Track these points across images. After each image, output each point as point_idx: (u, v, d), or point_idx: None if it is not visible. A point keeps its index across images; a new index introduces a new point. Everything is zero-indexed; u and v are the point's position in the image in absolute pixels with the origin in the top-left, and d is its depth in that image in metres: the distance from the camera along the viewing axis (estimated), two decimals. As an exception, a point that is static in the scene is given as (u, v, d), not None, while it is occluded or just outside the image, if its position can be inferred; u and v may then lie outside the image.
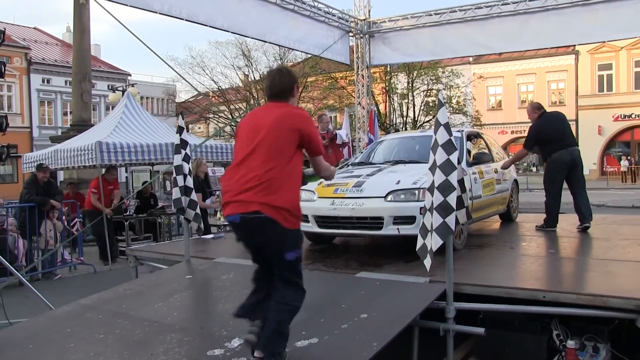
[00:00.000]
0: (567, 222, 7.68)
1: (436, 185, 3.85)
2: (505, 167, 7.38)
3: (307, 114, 3.45)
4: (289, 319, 3.17)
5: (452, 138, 3.90)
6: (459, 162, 4.17)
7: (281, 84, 3.35)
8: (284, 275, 3.21)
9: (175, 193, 5.76)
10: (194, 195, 5.76)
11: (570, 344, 3.88)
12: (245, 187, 3.07)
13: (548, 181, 7.13)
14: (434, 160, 3.90)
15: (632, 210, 16.16)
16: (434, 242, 3.82)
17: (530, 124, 7.32)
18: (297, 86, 3.48)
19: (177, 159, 5.73)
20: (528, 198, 19.50)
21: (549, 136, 7.01)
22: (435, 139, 3.94)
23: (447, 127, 3.90)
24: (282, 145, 3.12)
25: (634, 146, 34.44)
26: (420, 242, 3.97)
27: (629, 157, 33.45)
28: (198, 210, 5.80)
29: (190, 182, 5.72)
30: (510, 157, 8.13)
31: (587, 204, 7.08)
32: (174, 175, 5.80)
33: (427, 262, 3.92)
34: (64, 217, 10.17)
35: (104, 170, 10.85)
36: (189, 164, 5.75)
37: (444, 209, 3.81)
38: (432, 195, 3.88)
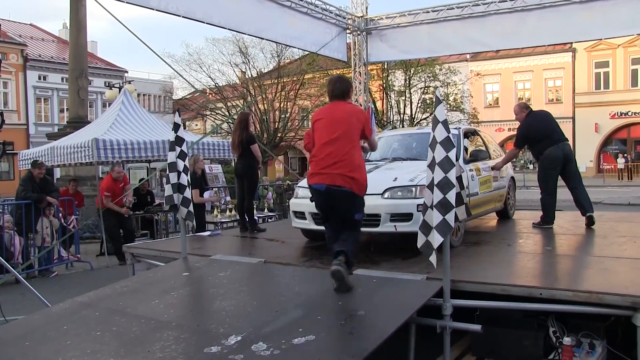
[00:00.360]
0: (564, 219, 7.71)
1: (435, 182, 3.84)
2: (497, 168, 7.35)
3: (363, 110, 4.95)
4: (355, 248, 4.37)
5: (450, 135, 3.90)
6: (457, 160, 4.17)
7: (341, 88, 4.51)
8: (351, 227, 4.39)
9: (167, 190, 5.74)
10: (188, 193, 5.73)
11: (567, 340, 3.90)
12: (329, 162, 4.22)
13: (542, 178, 7.15)
14: (433, 157, 3.90)
15: (629, 208, 16.22)
16: (435, 239, 3.83)
17: (519, 124, 7.39)
18: (352, 88, 4.82)
19: (171, 156, 5.70)
20: (525, 195, 19.57)
21: (539, 134, 7.09)
22: (434, 136, 3.93)
23: (445, 124, 3.89)
24: (353, 134, 4.31)
25: (631, 144, 34.53)
26: (422, 239, 3.96)
27: (625, 155, 33.56)
28: (191, 208, 5.77)
29: (184, 179, 5.69)
30: (502, 157, 7.98)
31: (587, 196, 7.13)
32: (167, 172, 5.78)
33: (433, 258, 3.92)
34: (60, 214, 10.16)
35: (100, 168, 10.84)
36: (184, 161, 5.72)
37: (443, 206, 3.81)
38: (432, 193, 3.87)
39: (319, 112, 4.63)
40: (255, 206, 8.57)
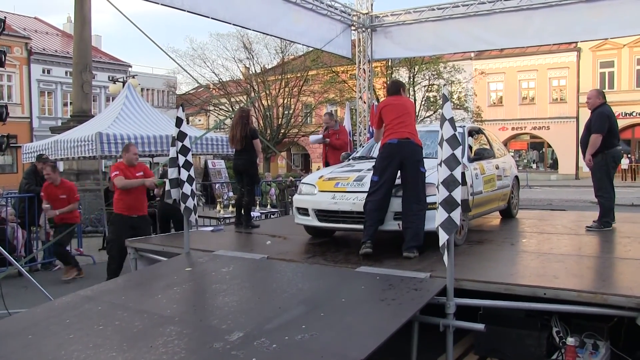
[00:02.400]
0: (568, 219, 7.70)
1: (441, 180, 3.84)
2: (588, 161, 6.75)
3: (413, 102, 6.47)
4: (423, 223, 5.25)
5: (457, 133, 3.90)
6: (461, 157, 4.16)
7: (398, 86, 5.98)
8: (417, 187, 5.30)
9: (167, 185, 5.75)
10: (187, 188, 5.72)
11: (570, 341, 3.88)
12: (400, 127, 5.48)
13: (603, 175, 6.71)
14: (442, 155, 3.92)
15: (632, 208, 16.16)
16: (441, 237, 3.82)
17: (595, 110, 6.76)
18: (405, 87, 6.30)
19: (172, 151, 5.70)
20: (528, 195, 19.54)
21: (613, 128, 6.67)
22: (442, 133, 3.94)
23: (452, 122, 3.89)
24: (410, 114, 5.68)
25: (635, 144, 34.40)
26: (443, 238, 3.96)
27: (629, 155, 33.40)
28: (190, 204, 5.75)
29: (185, 174, 5.69)
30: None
31: None
32: (167, 167, 5.78)
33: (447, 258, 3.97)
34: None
35: (103, 163, 10.75)
36: (186, 156, 5.71)
37: (449, 204, 3.81)
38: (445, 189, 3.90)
39: (385, 101, 5.97)
40: (257, 202, 8.56)
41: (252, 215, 8.02)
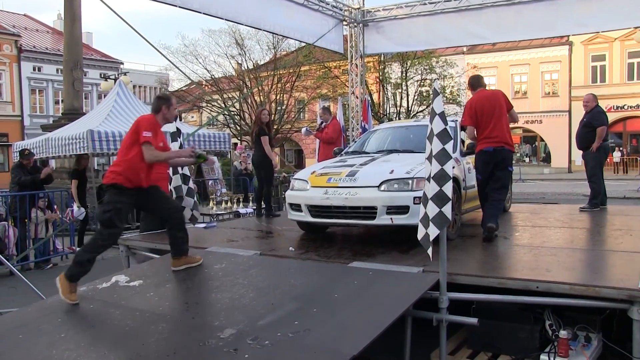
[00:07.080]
0: (560, 212, 7.71)
1: (432, 175, 3.83)
2: (594, 149, 8.07)
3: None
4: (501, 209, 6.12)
5: (448, 127, 3.88)
6: (453, 152, 4.15)
7: (480, 79, 6.35)
8: (504, 182, 5.98)
9: (176, 180, 5.73)
10: (192, 183, 5.74)
11: (563, 334, 3.89)
12: (494, 134, 5.83)
13: (597, 165, 8.18)
14: (431, 149, 3.89)
15: (624, 201, 16.26)
16: (432, 232, 3.82)
17: (593, 110, 8.20)
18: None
19: (174, 147, 5.69)
20: (521, 188, 19.61)
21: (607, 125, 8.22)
22: (431, 128, 3.91)
23: (443, 116, 3.88)
24: (503, 113, 5.96)
25: (626, 137, 34.55)
26: (422, 231, 3.95)
27: (621, 148, 33.56)
28: (196, 199, 5.81)
29: (187, 170, 5.70)
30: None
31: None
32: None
33: (431, 251, 3.94)
34: (55, 207, 10.11)
35: (95, 160, 10.72)
36: None
37: (440, 199, 3.80)
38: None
39: (475, 96, 6.12)
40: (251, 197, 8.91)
41: (271, 205, 8.69)
